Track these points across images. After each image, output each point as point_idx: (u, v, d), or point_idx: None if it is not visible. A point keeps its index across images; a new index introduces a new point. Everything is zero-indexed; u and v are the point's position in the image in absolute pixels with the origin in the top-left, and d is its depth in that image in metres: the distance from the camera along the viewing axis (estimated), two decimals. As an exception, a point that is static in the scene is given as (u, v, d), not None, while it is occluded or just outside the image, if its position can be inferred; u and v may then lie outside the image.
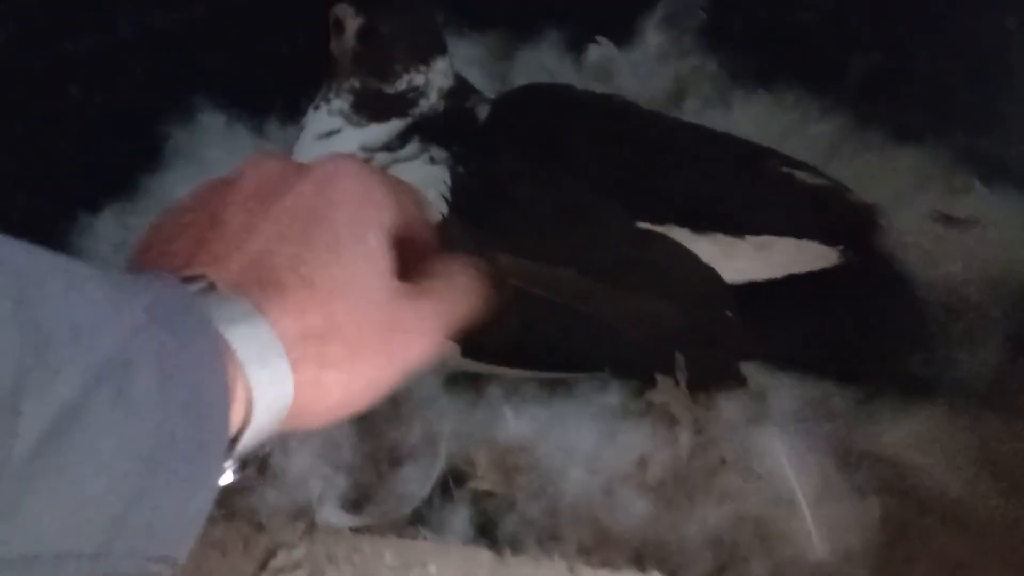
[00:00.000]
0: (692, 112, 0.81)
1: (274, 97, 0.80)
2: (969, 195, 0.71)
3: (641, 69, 0.83)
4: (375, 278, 0.39)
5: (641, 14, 0.85)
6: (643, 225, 0.59)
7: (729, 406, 0.56)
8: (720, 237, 0.58)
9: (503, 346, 0.59)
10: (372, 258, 0.39)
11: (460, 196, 0.62)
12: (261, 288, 0.36)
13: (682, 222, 0.59)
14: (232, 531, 0.46)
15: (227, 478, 0.35)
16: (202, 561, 0.44)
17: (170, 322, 0.32)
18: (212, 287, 0.35)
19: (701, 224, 0.59)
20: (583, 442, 0.54)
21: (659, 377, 0.56)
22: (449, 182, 0.63)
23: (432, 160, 0.65)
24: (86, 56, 0.74)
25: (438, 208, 0.61)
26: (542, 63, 0.84)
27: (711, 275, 0.58)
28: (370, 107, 0.70)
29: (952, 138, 0.74)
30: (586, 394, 0.57)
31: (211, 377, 0.32)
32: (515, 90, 0.75)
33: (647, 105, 0.79)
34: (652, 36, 0.84)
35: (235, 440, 0.34)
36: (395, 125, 0.70)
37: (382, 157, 0.68)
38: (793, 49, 0.84)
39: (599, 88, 0.80)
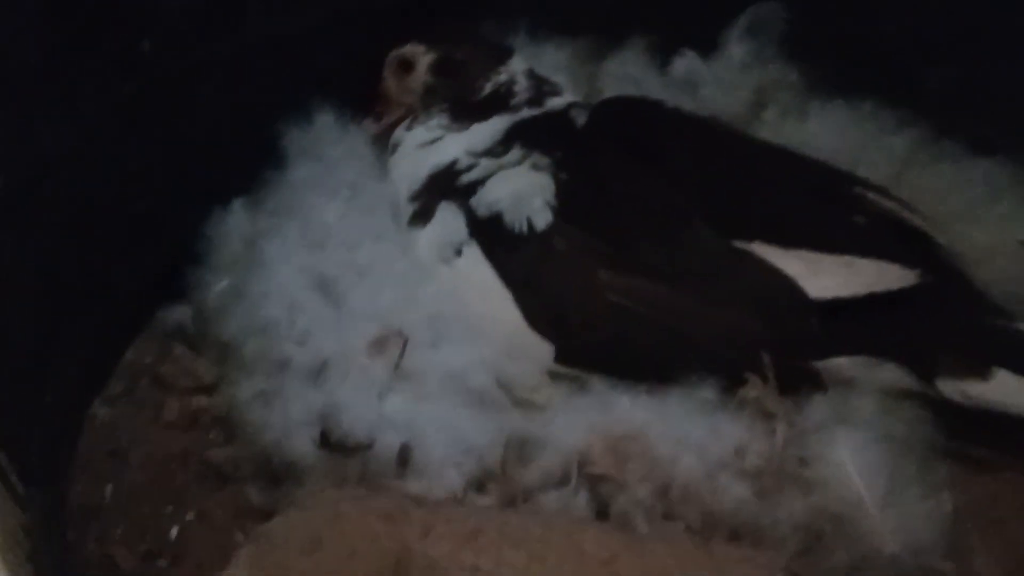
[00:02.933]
0: (771, 122, 0.85)
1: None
2: (1043, 207, 0.74)
3: (724, 80, 0.86)
4: None
5: (725, 24, 0.88)
6: (735, 243, 0.63)
7: (814, 404, 0.61)
8: (806, 254, 0.62)
9: (595, 355, 0.64)
10: None
11: (566, 203, 0.67)
12: None
13: (770, 239, 0.63)
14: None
15: None
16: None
17: None
18: None
19: (788, 242, 0.63)
20: (688, 430, 0.60)
21: (749, 376, 0.61)
22: (554, 190, 0.67)
23: (535, 167, 0.70)
24: (216, 61, 0.79)
25: (543, 218, 0.66)
26: (627, 72, 0.87)
27: (797, 292, 0.61)
28: (468, 114, 0.75)
29: (1025, 150, 0.78)
30: (686, 387, 0.62)
31: None
32: (611, 100, 0.80)
33: (729, 115, 0.84)
34: (735, 46, 0.87)
35: None
36: (496, 127, 0.75)
37: (487, 163, 0.73)
38: (872, 60, 0.87)
39: (684, 99, 0.86)
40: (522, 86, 0.76)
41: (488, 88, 0.76)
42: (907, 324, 0.62)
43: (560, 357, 0.65)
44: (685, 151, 0.70)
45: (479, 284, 0.68)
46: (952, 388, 0.60)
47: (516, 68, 0.77)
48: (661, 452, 0.59)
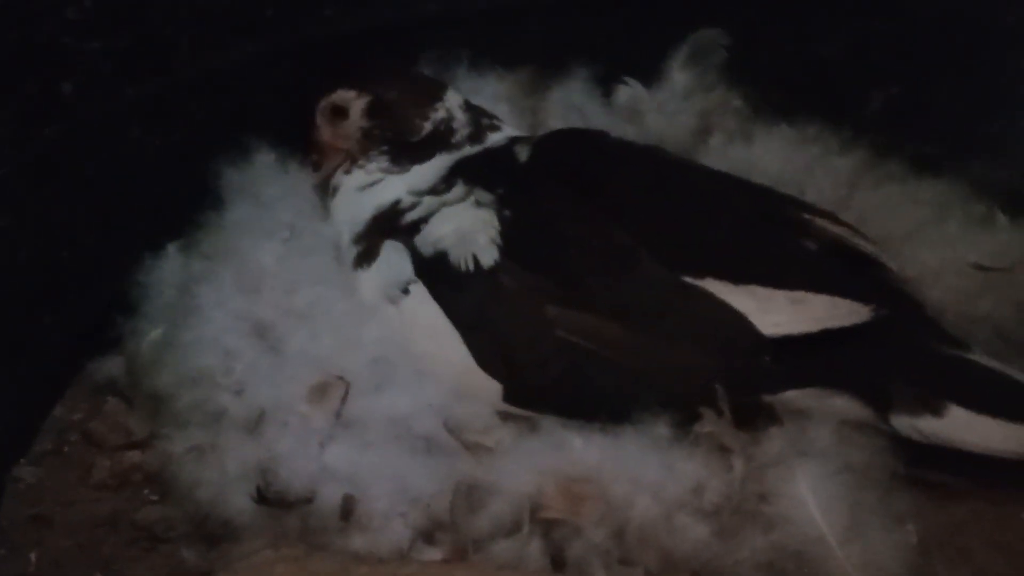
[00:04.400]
0: (717, 147, 0.84)
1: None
2: (992, 226, 0.74)
3: (668, 107, 0.86)
4: None
5: (667, 52, 0.88)
6: (686, 279, 0.61)
7: (771, 437, 0.59)
8: (757, 290, 0.61)
9: (546, 394, 0.62)
10: None
11: (511, 240, 0.65)
12: None
13: (720, 275, 0.61)
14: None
15: None
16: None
17: None
18: None
19: (739, 277, 0.61)
20: (643, 470, 0.58)
21: (703, 410, 0.59)
22: (499, 227, 0.66)
23: (478, 203, 0.69)
24: (143, 101, 0.77)
25: (489, 255, 0.64)
26: (571, 101, 0.87)
27: (749, 329, 0.60)
28: (407, 155, 0.74)
29: (971, 169, 0.78)
30: (640, 425, 0.60)
31: None
32: (554, 133, 0.79)
33: (674, 142, 0.83)
34: (678, 74, 0.87)
35: None
36: (438, 165, 0.74)
37: (430, 201, 0.71)
38: (814, 83, 0.87)
39: (629, 127, 0.85)
40: (461, 122, 0.75)
41: (428, 127, 0.74)
42: (860, 357, 0.60)
43: (510, 397, 0.63)
44: (631, 184, 0.69)
45: (426, 324, 0.66)
46: (906, 424, 0.59)
47: (453, 103, 0.76)
48: (616, 493, 0.57)
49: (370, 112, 0.75)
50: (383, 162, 0.74)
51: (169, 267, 0.72)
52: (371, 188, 0.74)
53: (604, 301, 0.62)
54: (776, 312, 0.60)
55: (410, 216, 0.71)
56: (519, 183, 0.70)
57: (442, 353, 0.65)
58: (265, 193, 0.76)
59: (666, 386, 0.60)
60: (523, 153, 0.73)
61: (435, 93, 0.76)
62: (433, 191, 0.72)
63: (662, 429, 0.59)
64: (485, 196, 0.69)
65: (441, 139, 0.74)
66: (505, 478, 0.58)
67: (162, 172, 0.77)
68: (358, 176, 0.75)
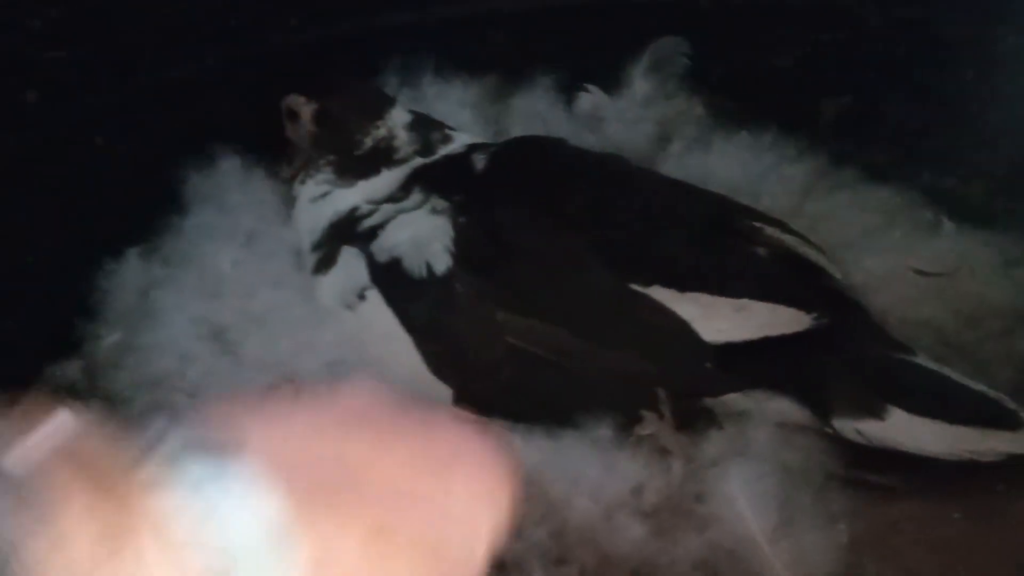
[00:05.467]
0: (676, 155, 0.85)
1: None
2: (938, 233, 0.75)
3: (628, 115, 0.87)
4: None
5: (629, 61, 0.89)
6: (633, 286, 0.63)
7: (710, 439, 0.61)
8: (702, 298, 0.62)
9: (495, 397, 0.63)
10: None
11: (464, 249, 0.66)
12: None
13: (667, 283, 0.63)
14: None
15: None
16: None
17: None
18: None
19: (684, 285, 0.63)
20: (583, 470, 0.59)
21: (645, 413, 0.61)
22: (453, 234, 0.67)
23: (434, 211, 0.70)
24: (107, 108, 0.78)
25: (443, 262, 0.66)
26: (534, 109, 0.88)
27: (692, 336, 0.61)
28: (352, 170, 0.75)
29: (919, 178, 0.80)
30: (582, 428, 0.61)
31: None
32: (513, 141, 0.80)
33: (634, 150, 0.84)
34: (639, 82, 0.88)
35: None
36: (395, 175, 0.75)
37: (387, 208, 0.72)
38: (769, 92, 0.89)
39: (590, 135, 0.86)
40: (403, 140, 0.76)
41: (368, 143, 0.75)
42: (801, 362, 0.62)
43: (460, 400, 0.64)
44: (584, 192, 0.70)
45: (380, 329, 0.67)
46: (847, 427, 0.60)
47: (396, 121, 0.76)
48: (555, 494, 0.58)
49: (317, 120, 0.77)
50: (328, 174, 0.76)
51: (129, 272, 0.73)
52: (322, 199, 0.75)
53: (552, 308, 0.63)
54: (720, 319, 0.62)
55: (367, 223, 0.72)
56: (475, 191, 0.71)
57: (395, 358, 0.66)
58: (228, 199, 0.77)
59: (610, 391, 0.62)
60: (480, 162, 0.74)
61: (378, 111, 0.76)
62: (391, 199, 0.73)
63: (604, 431, 0.60)
64: (441, 203, 0.70)
65: (383, 156, 0.75)
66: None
67: (125, 179, 0.78)
68: (309, 187, 0.76)
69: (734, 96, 0.88)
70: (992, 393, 0.60)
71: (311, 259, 0.73)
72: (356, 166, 0.75)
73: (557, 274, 0.65)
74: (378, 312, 0.67)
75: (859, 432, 0.60)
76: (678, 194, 0.73)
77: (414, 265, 0.66)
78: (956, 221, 0.76)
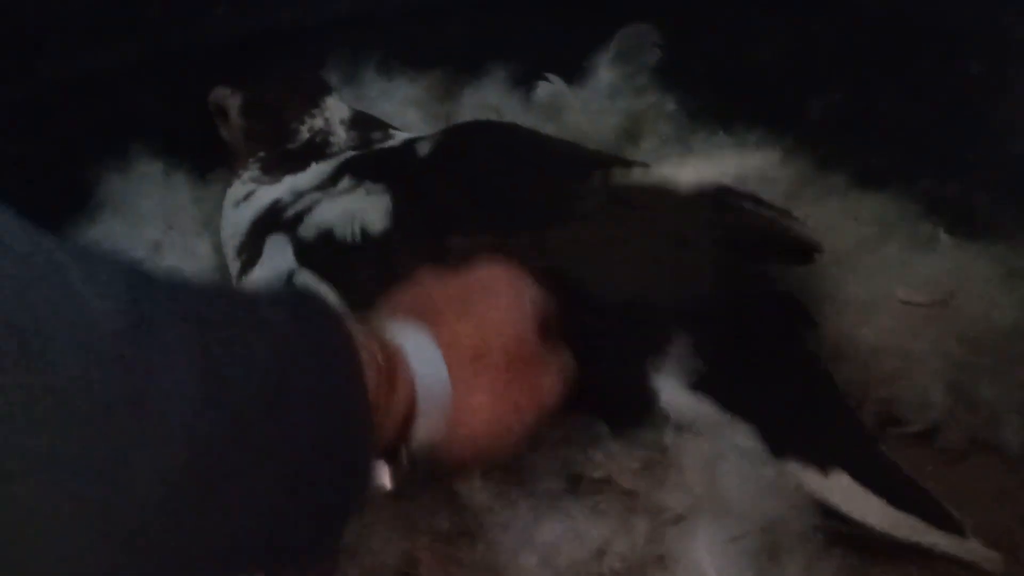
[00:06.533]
0: (649, 151, 0.79)
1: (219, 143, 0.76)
2: (935, 247, 0.68)
3: (592, 106, 0.80)
4: (526, 325, 0.45)
5: (593, 51, 0.82)
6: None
7: (671, 486, 0.52)
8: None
9: None
10: (525, 312, 0.45)
11: (404, 210, 0.60)
12: (422, 316, 0.43)
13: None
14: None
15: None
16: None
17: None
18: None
19: None
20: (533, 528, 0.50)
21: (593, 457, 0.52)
22: (391, 204, 0.60)
23: (368, 192, 0.63)
24: (6, 106, 0.69)
25: (379, 224, 0.59)
26: (487, 101, 0.82)
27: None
28: (282, 166, 0.69)
29: (917, 184, 0.72)
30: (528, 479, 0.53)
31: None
32: (460, 125, 0.73)
33: (598, 143, 0.77)
34: (604, 73, 0.82)
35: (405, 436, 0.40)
36: (324, 168, 0.68)
37: (313, 196, 0.66)
38: (752, 88, 0.81)
39: (548, 125, 0.79)
40: (340, 137, 0.70)
41: (304, 133, 0.69)
42: (771, 393, 0.54)
43: None
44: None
45: None
46: (795, 471, 0.52)
47: (334, 114, 0.70)
48: (500, 556, 0.49)
49: (245, 112, 0.71)
50: (255, 171, 0.69)
51: None
52: (245, 202, 0.69)
53: (505, 220, 0.57)
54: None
55: (292, 211, 0.65)
56: (412, 175, 0.64)
57: None
58: (140, 205, 0.71)
59: None
60: (424, 148, 0.66)
61: (314, 98, 0.70)
62: (318, 188, 0.66)
63: (554, 482, 0.52)
64: (376, 187, 0.63)
65: (317, 150, 0.69)
66: (371, 541, 0.50)
67: (22, 184, 0.69)
68: (236, 188, 0.70)
69: (713, 92, 0.81)
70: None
71: (236, 266, 0.66)
72: (285, 161, 0.68)
73: (508, 192, 0.59)
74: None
75: (802, 483, 0.52)
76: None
77: (347, 232, 0.60)
78: (956, 231, 0.69)
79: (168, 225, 0.70)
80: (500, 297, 0.45)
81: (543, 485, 0.52)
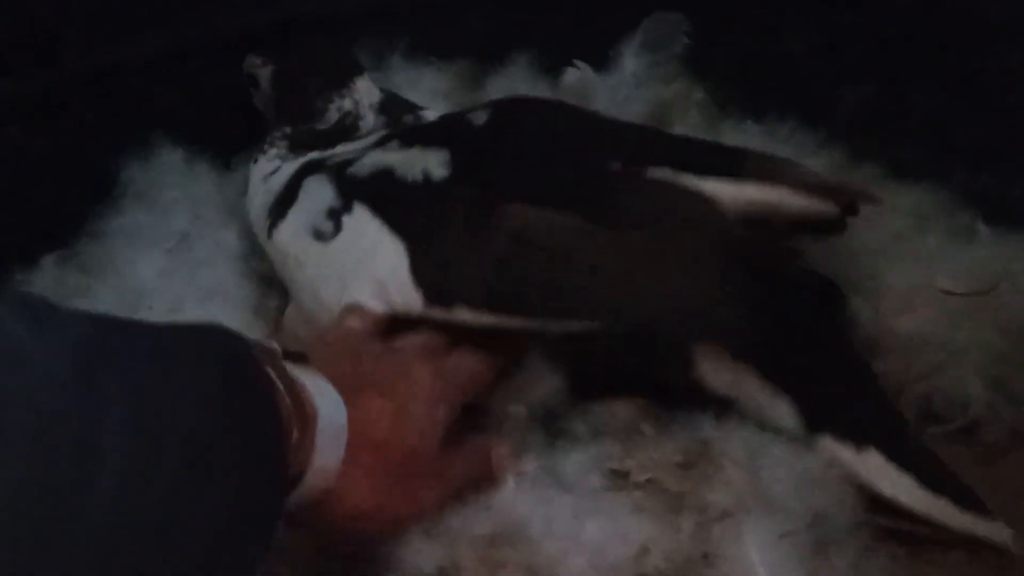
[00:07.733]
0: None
1: (241, 131, 0.75)
2: (974, 238, 0.66)
3: (619, 93, 0.79)
4: (432, 434, 0.48)
5: (619, 39, 0.81)
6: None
7: (718, 484, 0.51)
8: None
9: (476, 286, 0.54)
10: (435, 421, 0.49)
11: (464, 161, 0.59)
12: (342, 384, 0.46)
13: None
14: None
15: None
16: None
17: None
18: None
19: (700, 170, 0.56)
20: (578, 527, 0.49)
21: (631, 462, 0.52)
22: (449, 156, 0.59)
23: (425, 148, 0.61)
24: (25, 98, 0.68)
25: (441, 171, 0.58)
26: (515, 89, 0.80)
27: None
28: (309, 145, 0.67)
29: (952, 176, 0.70)
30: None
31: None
32: (513, 100, 0.71)
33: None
34: (630, 61, 0.80)
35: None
36: (359, 144, 0.67)
37: (357, 148, 0.64)
38: (782, 80, 0.80)
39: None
40: (368, 123, 0.68)
41: (332, 113, 0.68)
42: (811, 368, 0.54)
43: (432, 298, 0.55)
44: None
45: (360, 248, 0.58)
46: (828, 447, 0.52)
47: (363, 96, 0.68)
48: (545, 557, 0.48)
49: (275, 82, 0.70)
50: (282, 148, 0.68)
51: (41, 282, 0.65)
52: (272, 176, 0.67)
53: (562, 193, 0.56)
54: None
55: (333, 161, 0.64)
56: (471, 140, 0.62)
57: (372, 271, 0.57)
58: (164, 196, 0.70)
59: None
60: (480, 117, 0.64)
61: (344, 78, 0.68)
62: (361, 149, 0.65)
63: (593, 480, 0.50)
64: (431, 147, 0.61)
65: (345, 132, 0.67)
66: (409, 550, 0.48)
67: (44, 175, 0.69)
68: (262, 165, 0.68)
69: (741, 82, 0.79)
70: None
71: (265, 225, 0.64)
72: (313, 140, 0.67)
73: (566, 162, 0.59)
74: (359, 229, 0.58)
75: (834, 458, 0.52)
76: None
77: (408, 173, 0.59)
78: (995, 222, 0.67)
79: (195, 215, 0.68)
80: (418, 399, 0.48)
81: (583, 483, 0.51)
